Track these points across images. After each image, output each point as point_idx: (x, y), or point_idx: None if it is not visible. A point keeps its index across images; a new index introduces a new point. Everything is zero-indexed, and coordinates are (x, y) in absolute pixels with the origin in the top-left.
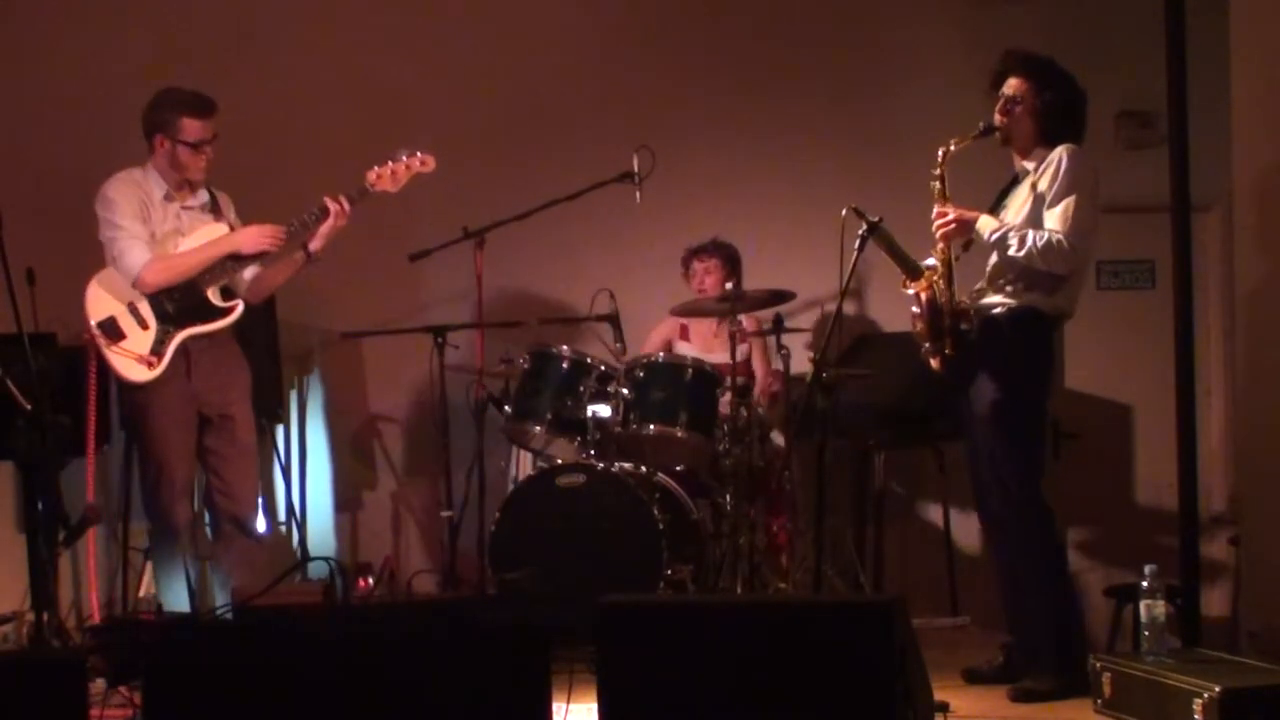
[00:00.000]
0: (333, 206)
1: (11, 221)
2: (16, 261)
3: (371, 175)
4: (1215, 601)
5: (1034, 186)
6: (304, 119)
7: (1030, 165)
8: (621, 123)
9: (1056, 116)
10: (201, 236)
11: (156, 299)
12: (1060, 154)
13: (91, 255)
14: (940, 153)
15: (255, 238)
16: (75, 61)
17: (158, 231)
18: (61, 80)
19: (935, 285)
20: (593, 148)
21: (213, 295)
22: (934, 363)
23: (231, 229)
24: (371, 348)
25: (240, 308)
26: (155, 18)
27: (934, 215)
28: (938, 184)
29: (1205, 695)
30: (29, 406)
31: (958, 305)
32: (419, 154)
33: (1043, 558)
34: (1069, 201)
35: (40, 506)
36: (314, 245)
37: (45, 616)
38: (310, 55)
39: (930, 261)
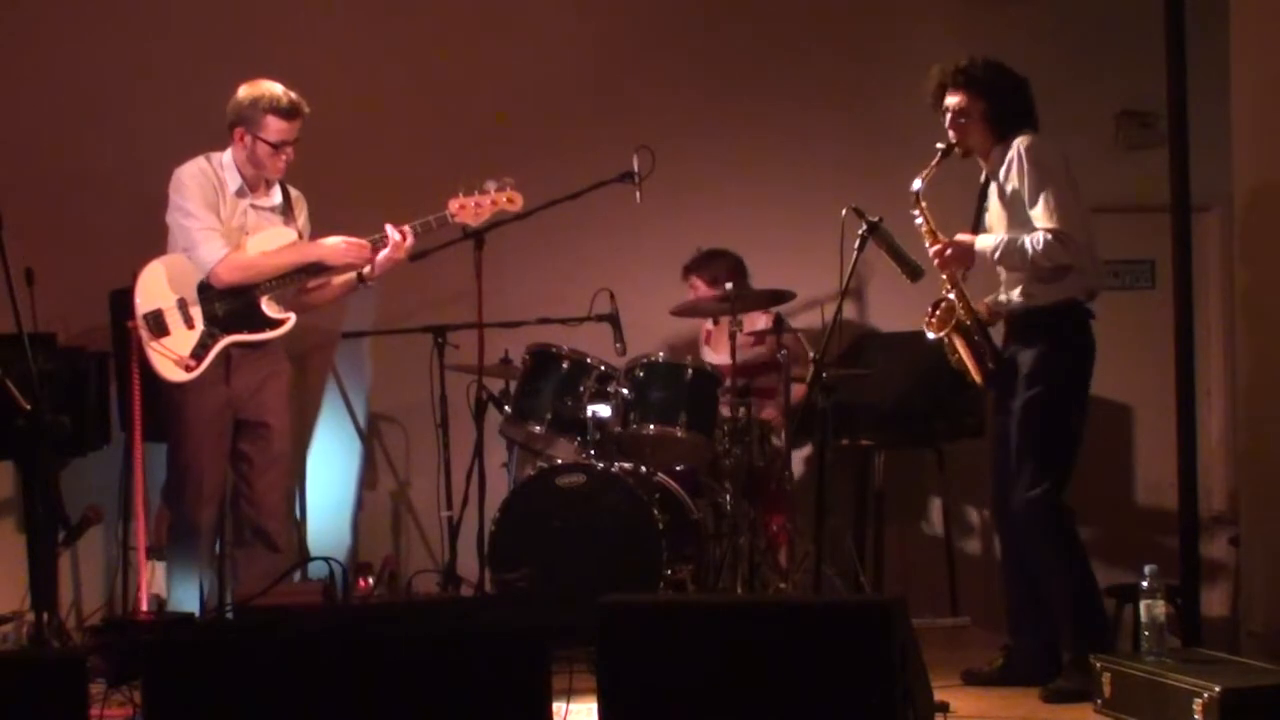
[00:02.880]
0: (393, 237)
1: (11, 221)
2: (16, 261)
3: (454, 205)
4: (1215, 601)
5: (1002, 187)
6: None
7: (993, 166)
8: (621, 123)
9: (1003, 116)
10: (267, 239)
11: (208, 300)
12: (1017, 149)
13: (91, 255)
14: (916, 187)
15: (344, 252)
16: (76, 62)
17: (223, 225)
18: (62, 81)
19: (957, 315)
20: (593, 148)
21: (266, 305)
22: (978, 380)
23: (300, 235)
24: (371, 348)
25: (292, 321)
26: (156, 18)
27: (931, 253)
28: (921, 221)
29: (1205, 695)
30: (29, 406)
31: (982, 317)
32: (507, 190)
33: (1067, 558)
34: (1046, 195)
35: (40, 506)
36: (369, 271)
37: (45, 616)
38: (309, 57)
39: (938, 300)
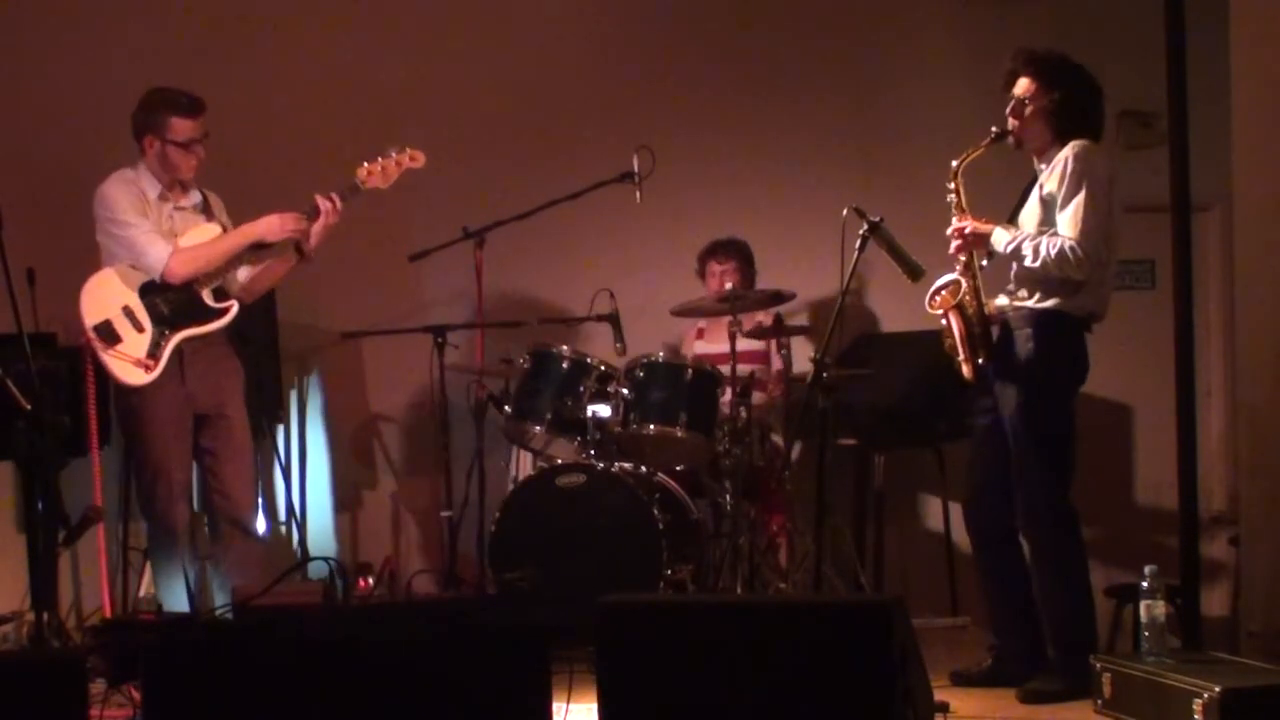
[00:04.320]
0: (324, 205)
1: (11, 221)
2: (16, 261)
3: (362, 172)
4: (1215, 601)
5: (1041, 189)
6: (302, 119)
7: (1045, 166)
8: (621, 123)
9: (1068, 115)
10: (195, 237)
11: (151, 301)
12: (1066, 154)
13: (92, 255)
14: (953, 165)
15: (278, 225)
16: (75, 61)
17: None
18: (61, 80)
19: (962, 299)
20: (593, 148)
21: (207, 296)
22: (967, 372)
23: (224, 229)
24: (371, 348)
25: (235, 308)
26: (154, 17)
27: (952, 230)
28: (953, 197)
29: (1205, 695)
30: (29, 406)
31: (988, 314)
32: (409, 150)
33: (1067, 559)
34: (1078, 203)
35: (40, 506)
36: (307, 244)
37: (45, 616)
38: (309, 56)
39: (952, 276)
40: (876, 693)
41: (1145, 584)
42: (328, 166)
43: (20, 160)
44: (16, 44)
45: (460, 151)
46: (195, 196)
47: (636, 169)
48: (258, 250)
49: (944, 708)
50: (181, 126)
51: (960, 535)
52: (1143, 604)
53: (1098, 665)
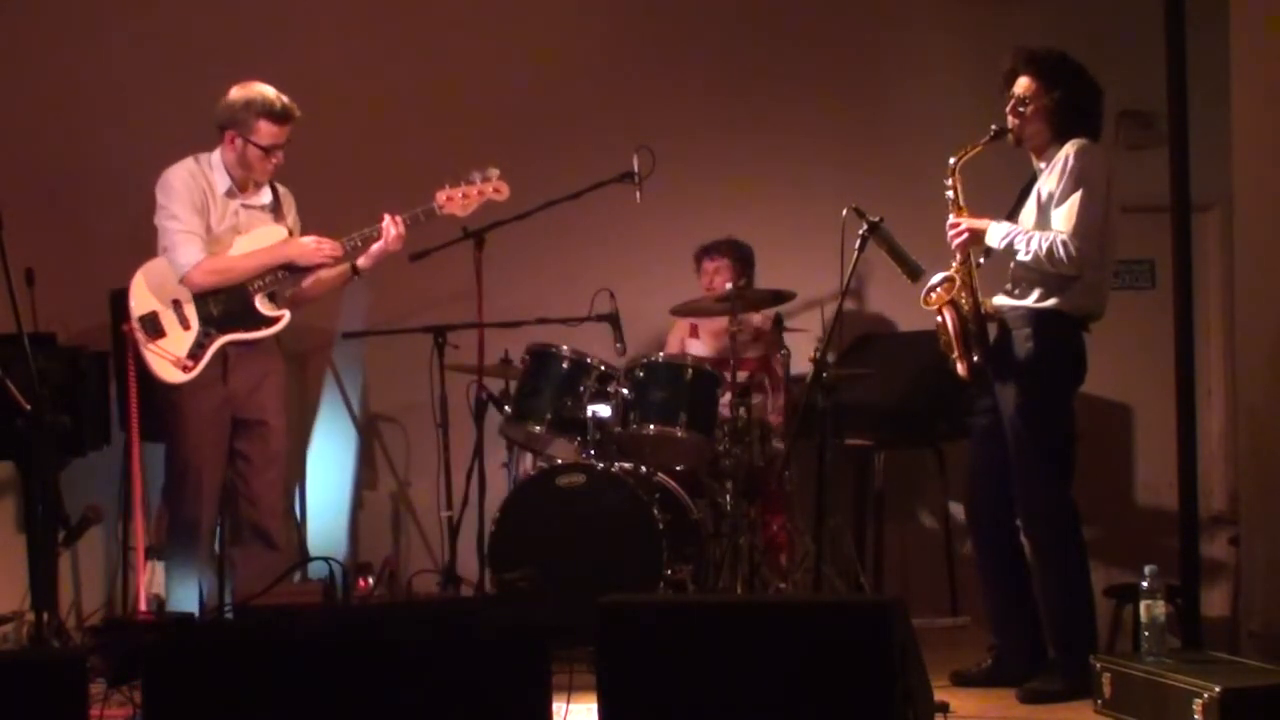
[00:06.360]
0: (388, 230)
1: (11, 221)
2: (16, 261)
3: (441, 197)
4: (1215, 601)
5: (1040, 189)
6: (302, 119)
7: (1044, 165)
8: (621, 123)
9: (1068, 114)
10: (258, 238)
11: (203, 300)
12: (1067, 152)
13: (91, 255)
14: (951, 162)
15: (312, 252)
16: (76, 61)
17: (215, 227)
18: (62, 80)
19: (957, 296)
20: (593, 148)
21: (260, 303)
22: (961, 370)
23: (290, 233)
24: (371, 348)
25: (286, 317)
26: (157, 18)
27: (949, 226)
28: (951, 194)
29: (1205, 695)
30: (29, 406)
31: (985, 312)
32: (494, 180)
33: (1067, 559)
34: (1073, 200)
35: (40, 506)
36: (362, 263)
37: (45, 616)
38: (310, 56)
39: (946, 274)
40: (876, 693)
41: (1145, 584)
42: (321, 165)
43: (20, 160)
44: (17, 44)
45: (460, 152)
46: (266, 195)
47: (636, 169)
48: (291, 271)
49: (944, 708)
50: (268, 131)
51: (960, 535)
52: (1143, 604)
53: (1098, 665)
